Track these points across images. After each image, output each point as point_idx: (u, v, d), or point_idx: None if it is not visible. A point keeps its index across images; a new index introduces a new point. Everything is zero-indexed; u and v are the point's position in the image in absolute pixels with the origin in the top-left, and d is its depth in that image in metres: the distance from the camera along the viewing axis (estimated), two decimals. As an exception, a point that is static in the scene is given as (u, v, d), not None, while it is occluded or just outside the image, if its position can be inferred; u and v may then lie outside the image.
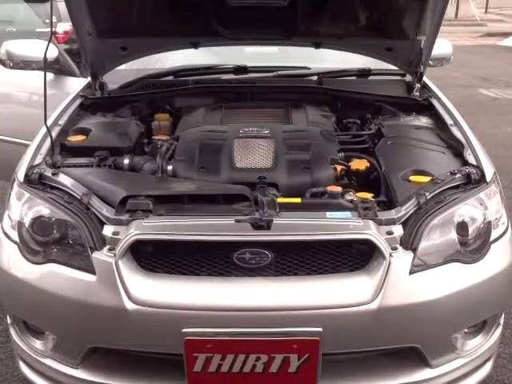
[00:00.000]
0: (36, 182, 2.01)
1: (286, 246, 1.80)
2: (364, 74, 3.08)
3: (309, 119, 2.54)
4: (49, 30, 2.28)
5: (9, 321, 2.08)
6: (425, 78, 2.87)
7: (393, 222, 1.85)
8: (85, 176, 2.04)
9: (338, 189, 1.99)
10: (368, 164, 2.24)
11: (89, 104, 2.72)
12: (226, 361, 1.74)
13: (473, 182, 1.99)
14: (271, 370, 1.75)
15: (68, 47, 5.40)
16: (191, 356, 1.73)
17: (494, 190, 2.02)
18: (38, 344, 1.99)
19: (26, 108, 3.62)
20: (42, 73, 2.20)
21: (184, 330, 1.71)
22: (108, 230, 1.82)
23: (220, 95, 2.84)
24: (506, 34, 15.62)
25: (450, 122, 2.45)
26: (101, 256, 1.78)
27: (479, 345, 1.99)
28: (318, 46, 2.87)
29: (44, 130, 2.28)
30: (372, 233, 1.76)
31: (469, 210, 1.92)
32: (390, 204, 1.98)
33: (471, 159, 2.11)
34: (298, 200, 1.93)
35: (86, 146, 2.33)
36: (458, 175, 2.00)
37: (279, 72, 3.04)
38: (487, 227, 1.93)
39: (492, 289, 1.92)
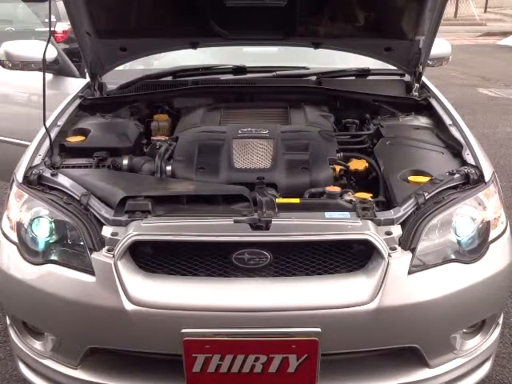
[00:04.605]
0: (35, 183, 2.01)
1: (284, 246, 1.80)
2: (363, 74, 3.08)
3: (308, 119, 2.54)
4: (47, 29, 2.27)
5: (8, 322, 2.09)
6: (424, 78, 2.87)
7: (391, 222, 1.85)
8: (84, 177, 2.05)
9: (337, 189, 1.99)
10: (367, 164, 2.24)
11: (88, 104, 2.72)
12: (225, 361, 1.74)
13: (471, 182, 1.99)
14: (270, 371, 1.75)
15: (67, 47, 5.40)
16: (190, 356, 1.74)
17: (492, 190, 2.02)
18: (37, 345, 1.99)
19: (25, 108, 3.62)
20: (41, 73, 2.21)
21: (183, 331, 1.72)
22: (107, 231, 1.82)
23: (219, 96, 2.84)
24: (505, 34, 15.61)
25: (448, 121, 2.45)
26: (100, 257, 1.78)
27: (478, 344, 2.00)
28: (317, 46, 2.88)
29: (43, 130, 2.28)
30: (371, 233, 1.76)
31: (467, 210, 1.92)
32: (388, 204, 1.99)
33: (470, 159, 2.12)
34: (297, 200, 1.94)
35: (84, 147, 2.33)
36: (456, 175, 2.00)
37: (278, 72, 3.04)
38: (486, 227, 1.93)
39: (491, 289, 1.92)
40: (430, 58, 2.90)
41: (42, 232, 1.89)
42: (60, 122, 2.46)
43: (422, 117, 2.66)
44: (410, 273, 1.78)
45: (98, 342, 1.87)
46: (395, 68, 2.96)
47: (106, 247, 1.80)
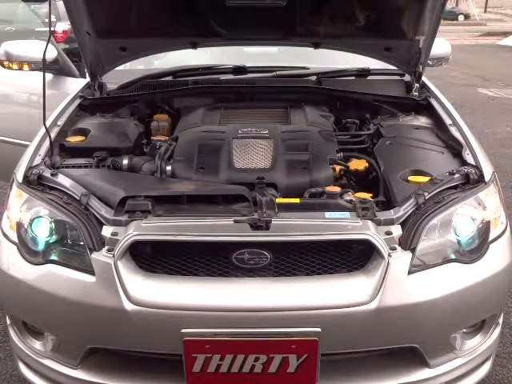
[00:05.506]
0: (35, 183, 2.01)
1: (284, 246, 1.80)
2: (363, 73, 3.08)
3: (308, 119, 2.54)
4: (47, 29, 2.28)
5: (8, 321, 2.08)
6: (424, 78, 2.87)
7: (391, 222, 1.85)
8: (84, 177, 2.04)
9: (337, 189, 1.99)
10: (367, 164, 2.24)
11: (88, 104, 2.72)
12: (225, 361, 1.74)
13: (471, 181, 1.99)
14: (270, 371, 1.75)
15: (67, 47, 5.40)
16: (190, 356, 1.74)
17: (492, 190, 2.02)
18: (37, 345, 1.99)
19: (25, 108, 3.62)
20: (41, 73, 2.21)
21: (183, 331, 1.72)
22: (107, 231, 1.82)
23: (219, 95, 2.84)
24: (505, 34, 15.62)
25: (448, 121, 2.45)
26: (100, 257, 1.78)
27: (478, 344, 1.99)
28: (316, 46, 2.88)
29: (43, 130, 2.28)
30: (371, 233, 1.77)
31: (467, 209, 1.92)
32: (388, 204, 1.98)
33: (470, 159, 2.12)
34: (297, 200, 1.94)
35: (84, 147, 2.33)
36: (456, 175, 2.01)
37: (278, 72, 3.04)
38: (486, 227, 1.93)
39: (491, 289, 1.92)
40: (430, 58, 2.90)
41: (42, 232, 1.89)
42: (60, 122, 2.46)
43: (421, 117, 2.66)
44: (410, 273, 1.78)
45: (98, 341, 1.87)
46: (395, 68, 2.96)
47: (106, 247, 1.80)
